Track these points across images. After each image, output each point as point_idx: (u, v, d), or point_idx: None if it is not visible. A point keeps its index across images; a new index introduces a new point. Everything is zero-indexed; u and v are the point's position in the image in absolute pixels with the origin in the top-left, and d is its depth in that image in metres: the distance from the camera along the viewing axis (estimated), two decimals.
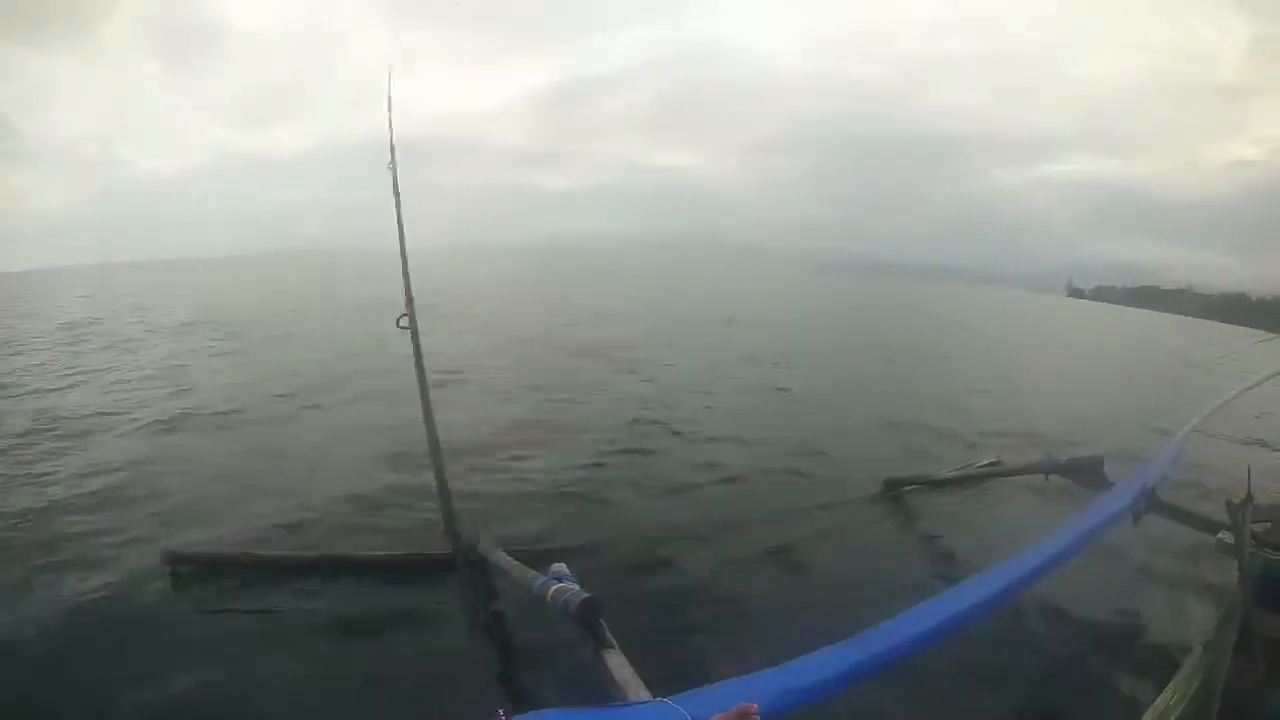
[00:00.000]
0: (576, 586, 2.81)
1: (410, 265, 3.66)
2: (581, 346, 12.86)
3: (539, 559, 3.31)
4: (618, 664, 2.42)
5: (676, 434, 7.14)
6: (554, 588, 2.81)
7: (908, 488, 5.39)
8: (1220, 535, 3.30)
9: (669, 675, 2.21)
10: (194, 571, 3.83)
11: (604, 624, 2.62)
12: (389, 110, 3.86)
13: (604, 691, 2.33)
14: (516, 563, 3.34)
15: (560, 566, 3.05)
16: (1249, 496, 2.89)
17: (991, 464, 5.16)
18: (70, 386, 8.66)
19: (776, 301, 35.65)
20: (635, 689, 2.24)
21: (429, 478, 4.19)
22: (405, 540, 4.15)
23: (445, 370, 8.86)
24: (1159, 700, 2.35)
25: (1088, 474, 4.44)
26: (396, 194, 3.63)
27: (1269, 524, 3.42)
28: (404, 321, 3.57)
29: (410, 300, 3.50)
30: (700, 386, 9.83)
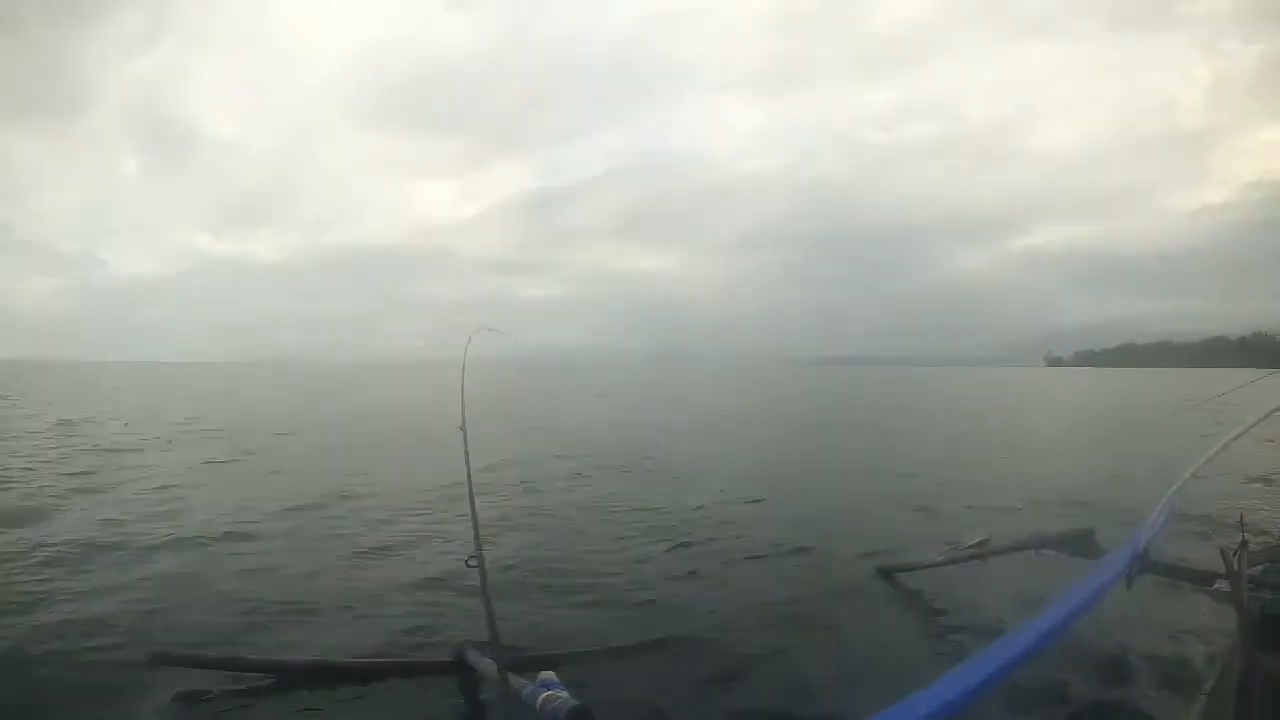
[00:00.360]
0: (566, 694, 2.71)
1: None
2: (573, 455, 12.80)
3: (527, 666, 3.19)
4: None
5: (669, 528, 7.10)
6: (543, 695, 2.71)
7: (900, 574, 5.42)
8: (1217, 584, 3.25)
9: None
10: (181, 676, 3.57)
11: None
12: (463, 375, 3.96)
13: None
14: (505, 670, 3.22)
15: (549, 674, 2.94)
16: (1243, 542, 2.89)
17: (980, 543, 5.10)
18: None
19: (764, 398, 36.14)
20: None
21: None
22: (400, 647, 4.08)
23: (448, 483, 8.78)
24: None
25: (1078, 546, 4.37)
26: (467, 457, 3.75)
27: (1265, 566, 3.39)
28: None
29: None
30: (697, 482, 9.84)
